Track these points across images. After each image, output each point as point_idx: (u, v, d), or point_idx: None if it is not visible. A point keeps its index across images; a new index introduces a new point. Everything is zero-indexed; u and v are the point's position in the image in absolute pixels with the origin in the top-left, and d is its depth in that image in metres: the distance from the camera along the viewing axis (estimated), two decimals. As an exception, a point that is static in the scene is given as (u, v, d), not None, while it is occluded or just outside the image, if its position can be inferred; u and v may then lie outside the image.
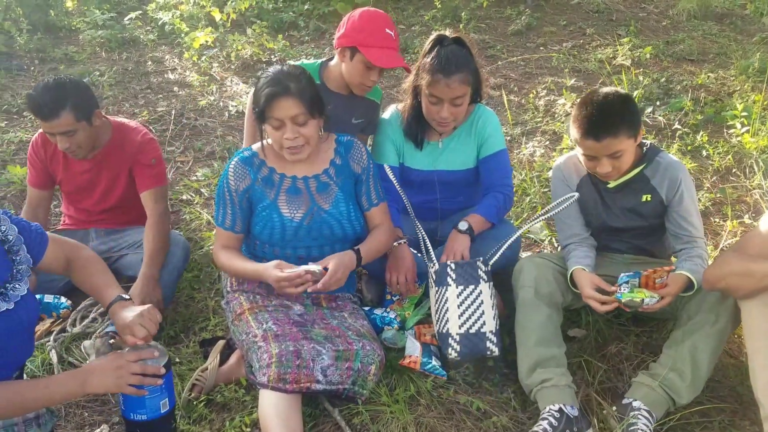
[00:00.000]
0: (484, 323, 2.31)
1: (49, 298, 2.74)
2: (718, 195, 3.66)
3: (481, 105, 2.74)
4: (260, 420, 2.04)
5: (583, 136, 2.24)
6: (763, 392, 1.92)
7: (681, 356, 2.18)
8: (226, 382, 2.36)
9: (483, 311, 2.32)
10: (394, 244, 2.57)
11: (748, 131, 4.13)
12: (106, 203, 2.94)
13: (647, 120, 4.49)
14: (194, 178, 4.00)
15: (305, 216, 2.31)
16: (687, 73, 5.38)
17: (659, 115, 4.54)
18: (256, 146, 2.36)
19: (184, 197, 3.76)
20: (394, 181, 2.47)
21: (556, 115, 4.76)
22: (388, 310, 2.60)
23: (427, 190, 2.78)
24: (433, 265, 2.40)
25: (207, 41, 5.97)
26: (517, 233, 2.52)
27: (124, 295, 1.96)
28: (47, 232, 1.99)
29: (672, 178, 2.35)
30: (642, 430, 2.07)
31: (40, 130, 2.91)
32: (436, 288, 2.38)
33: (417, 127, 2.68)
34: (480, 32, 6.44)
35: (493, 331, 2.32)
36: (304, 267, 2.18)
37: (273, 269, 2.17)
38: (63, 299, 2.77)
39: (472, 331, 2.30)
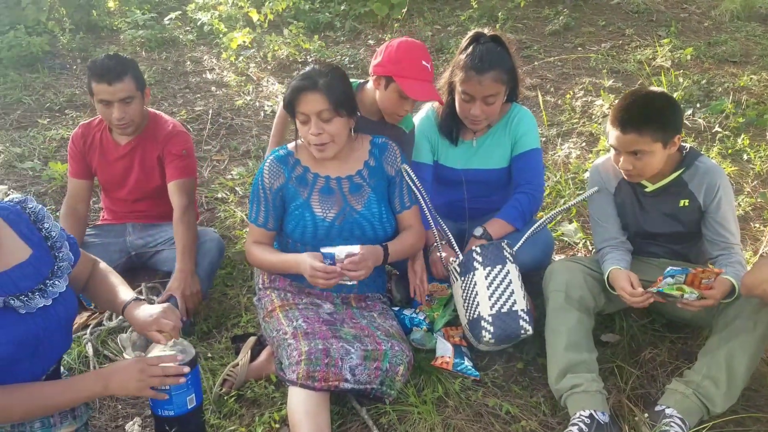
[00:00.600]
0: (515, 302, 2.30)
1: None
2: (759, 200, 3.57)
3: (517, 104, 2.72)
4: (289, 416, 2.06)
5: (612, 124, 2.24)
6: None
7: (717, 364, 2.13)
8: (257, 378, 2.38)
9: (513, 290, 2.31)
10: (434, 244, 2.57)
11: (791, 135, 4.03)
12: (140, 192, 3.00)
13: (686, 122, 4.40)
14: (229, 176, 4.05)
15: (337, 216, 2.32)
16: (729, 75, 5.26)
17: (699, 118, 4.45)
18: (291, 145, 2.39)
19: (219, 195, 3.81)
20: (415, 181, 2.45)
21: (593, 117, 4.69)
22: (418, 311, 2.60)
23: (460, 189, 2.76)
24: (457, 258, 2.39)
25: (244, 42, 6.04)
26: (542, 221, 2.52)
27: (140, 296, 1.99)
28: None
29: (710, 183, 2.30)
30: (674, 438, 2.04)
31: (82, 123, 3.01)
32: (462, 278, 2.38)
33: (452, 124, 2.67)
34: (517, 32, 6.40)
35: (525, 310, 2.30)
36: (341, 248, 2.18)
37: (309, 259, 2.18)
38: None
39: (504, 310, 2.29)
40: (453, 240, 2.48)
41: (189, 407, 1.91)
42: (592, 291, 2.35)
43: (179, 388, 1.87)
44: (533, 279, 2.55)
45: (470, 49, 2.50)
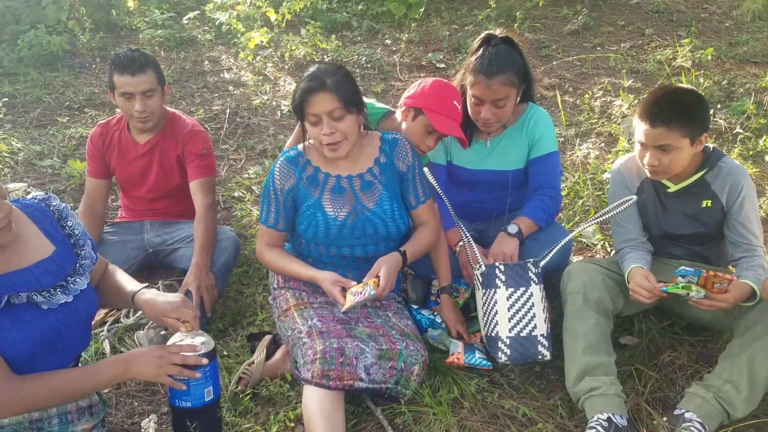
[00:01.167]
0: (535, 326, 2.27)
1: None
2: (782, 202, 3.52)
3: (534, 105, 2.69)
4: (303, 415, 2.05)
5: (640, 117, 2.21)
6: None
7: (738, 368, 2.10)
8: (272, 376, 2.38)
9: (534, 314, 2.27)
10: (459, 244, 2.55)
11: (814, 136, 3.96)
12: (159, 191, 3.02)
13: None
14: (246, 175, 4.06)
15: (349, 215, 2.31)
16: (750, 76, 5.19)
17: (720, 119, 4.40)
18: (301, 146, 2.38)
19: (236, 194, 3.82)
20: (435, 184, 2.44)
21: (612, 117, 4.65)
22: (434, 312, 2.58)
23: (474, 190, 2.75)
24: (480, 267, 2.36)
25: (262, 41, 6.06)
26: (570, 236, 2.46)
27: (147, 285, 2.00)
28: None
29: (733, 183, 2.27)
30: (694, 442, 2.01)
31: (100, 122, 3.03)
32: (484, 290, 2.35)
33: (466, 126, 2.65)
34: (535, 32, 6.36)
35: (545, 335, 2.27)
36: (358, 290, 2.18)
37: (329, 284, 2.19)
38: None
39: (523, 334, 2.26)
40: (474, 244, 2.45)
41: (206, 400, 1.92)
42: (611, 293, 2.33)
43: (197, 379, 1.88)
44: (551, 281, 2.52)
45: (480, 51, 2.49)
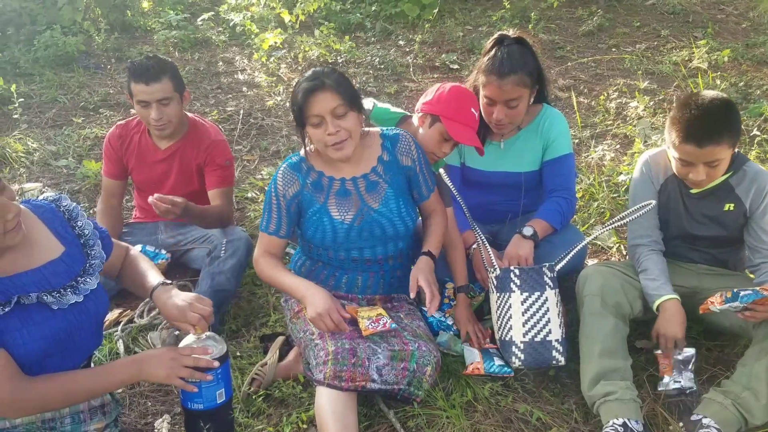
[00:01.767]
0: (549, 331, 2.25)
1: (150, 248, 2.90)
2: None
3: (548, 106, 2.67)
4: (316, 416, 2.05)
5: (684, 141, 2.13)
6: None
7: (757, 374, 2.08)
8: (285, 377, 2.38)
9: (549, 319, 2.25)
10: (473, 246, 2.54)
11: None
12: (176, 196, 3.00)
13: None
14: (259, 176, 4.07)
15: (355, 217, 2.28)
16: (767, 78, 5.14)
17: (737, 121, 4.34)
18: (302, 152, 2.33)
19: (249, 195, 3.82)
20: (451, 185, 2.43)
21: (628, 118, 4.62)
22: (446, 315, 2.57)
23: (487, 192, 2.73)
24: (494, 270, 2.34)
25: (276, 42, 6.07)
26: (587, 240, 2.44)
27: (166, 281, 1.98)
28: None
29: (759, 187, 2.24)
30: (711, 448, 1.99)
31: (119, 123, 3.03)
32: (498, 294, 2.33)
33: (479, 127, 2.63)
34: (549, 33, 6.33)
35: (559, 340, 2.25)
36: (372, 316, 2.17)
37: (320, 310, 2.09)
38: (163, 251, 2.92)
39: (537, 339, 2.24)
40: (489, 247, 2.43)
41: (218, 402, 1.92)
42: (629, 297, 2.31)
43: (209, 381, 1.88)
44: (565, 283, 2.50)
45: (493, 52, 2.47)
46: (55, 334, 1.74)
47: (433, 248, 2.33)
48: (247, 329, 2.75)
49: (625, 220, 2.32)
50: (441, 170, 2.45)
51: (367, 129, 2.35)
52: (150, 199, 2.56)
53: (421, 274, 2.21)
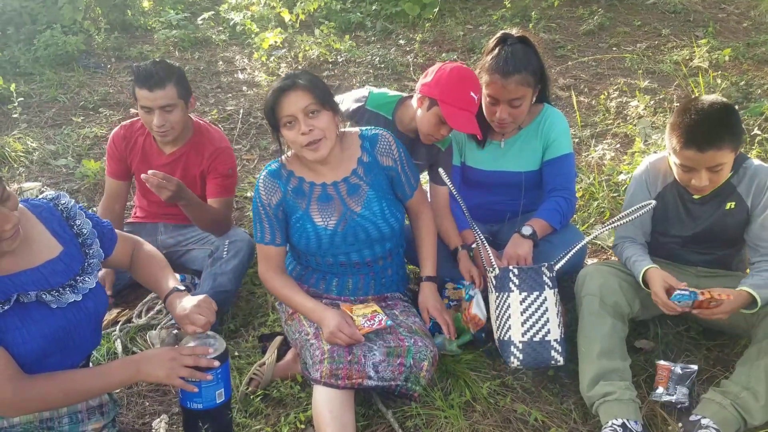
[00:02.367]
0: (548, 331, 2.24)
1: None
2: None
3: (549, 105, 2.66)
4: (314, 415, 2.05)
5: (685, 146, 2.11)
6: None
7: (756, 375, 2.07)
8: (283, 377, 2.37)
9: (548, 318, 2.24)
10: (472, 246, 2.54)
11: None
12: None
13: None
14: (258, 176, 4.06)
15: (339, 223, 2.25)
16: (768, 77, 5.13)
17: (738, 120, 4.33)
18: (282, 158, 2.31)
19: (248, 194, 3.82)
20: (450, 185, 2.42)
21: (628, 118, 4.61)
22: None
23: (488, 191, 2.72)
24: (493, 270, 2.34)
25: (276, 42, 6.07)
26: (587, 239, 2.43)
27: (179, 287, 1.99)
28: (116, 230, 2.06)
29: (760, 183, 2.22)
30: (710, 449, 1.98)
31: (123, 123, 3.01)
32: (497, 294, 2.32)
33: (480, 125, 2.62)
34: (550, 32, 6.32)
35: (558, 340, 2.24)
36: (367, 313, 2.19)
37: (332, 328, 2.11)
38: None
39: (536, 339, 2.24)
40: (488, 247, 2.42)
41: (217, 401, 1.92)
42: (627, 297, 2.30)
43: (209, 381, 1.88)
44: (564, 283, 2.49)
45: (496, 51, 2.46)
46: (54, 333, 1.75)
47: (431, 271, 2.38)
48: (246, 329, 2.75)
49: (625, 220, 2.31)
50: (440, 170, 2.44)
51: (344, 130, 2.32)
52: (143, 175, 2.54)
53: (429, 304, 2.28)
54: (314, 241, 2.25)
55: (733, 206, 2.27)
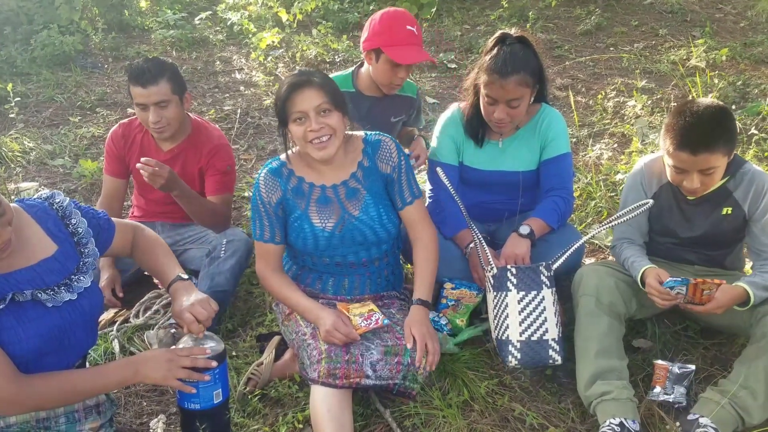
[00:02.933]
0: (546, 330, 2.24)
1: None
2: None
3: (547, 105, 2.66)
4: (311, 415, 2.04)
5: (678, 148, 2.12)
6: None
7: (754, 374, 2.07)
8: (281, 377, 2.37)
9: (546, 318, 2.24)
10: (470, 245, 2.53)
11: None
12: None
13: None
14: (256, 175, 4.05)
15: (336, 225, 2.25)
16: (765, 77, 5.13)
17: (735, 120, 4.34)
18: (283, 155, 2.31)
19: (246, 194, 3.81)
20: (448, 184, 2.41)
21: (626, 117, 4.61)
22: (440, 315, 2.56)
23: (485, 191, 2.72)
24: (491, 269, 2.34)
25: (273, 42, 6.07)
26: (584, 239, 2.42)
27: (182, 275, 2.00)
28: (113, 219, 2.06)
29: (757, 190, 2.23)
30: (708, 448, 1.98)
31: (122, 121, 3.01)
32: (495, 293, 2.32)
33: (478, 126, 2.62)
34: (548, 32, 6.32)
35: (556, 339, 2.24)
36: (363, 313, 2.18)
37: (328, 327, 2.10)
38: None
39: (534, 338, 2.23)
40: (486, 247, 2.42)
41: (215, 402, 1.91)
42: (624, 296, 2.30)
43: (206, 381, 1.88)
44: (562, 283, 2.49)
45: (495, 51, 2.45)
46: (50, 332, 1.75)
47: (425, 295, 2.25)
48: (244, 329, 2.74)
49: (622, 219, 2.31)
50: (438, 169, 2.43)
51: (350, 133, 2.32)
52: (137, 165, 2.56)
53: (414, 326, 2.14)
54: (311, 242, 2.25)
55: (729, 211, 2.27)
